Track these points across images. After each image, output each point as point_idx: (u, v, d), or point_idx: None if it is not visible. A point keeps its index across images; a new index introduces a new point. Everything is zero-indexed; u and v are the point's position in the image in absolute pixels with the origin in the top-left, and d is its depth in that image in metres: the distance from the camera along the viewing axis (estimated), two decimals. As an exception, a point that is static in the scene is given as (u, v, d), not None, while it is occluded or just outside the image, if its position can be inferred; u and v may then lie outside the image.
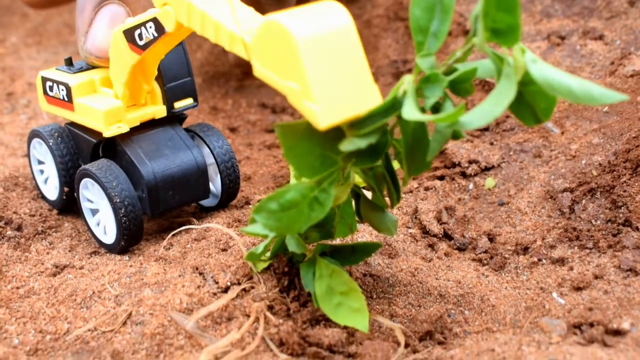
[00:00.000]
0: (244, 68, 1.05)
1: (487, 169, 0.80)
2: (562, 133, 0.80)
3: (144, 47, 0.65)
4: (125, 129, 0.69)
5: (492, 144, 0.83)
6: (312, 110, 0.50)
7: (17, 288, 0.65)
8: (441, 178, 0.80)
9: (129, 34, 0.65)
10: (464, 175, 0.80)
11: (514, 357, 0.55)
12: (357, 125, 0.53)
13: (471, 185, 0.79)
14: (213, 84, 1.04)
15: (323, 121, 0.50)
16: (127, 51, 0.66)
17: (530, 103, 0.52)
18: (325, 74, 0.51)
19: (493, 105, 0.48)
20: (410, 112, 0.50)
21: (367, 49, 1.05)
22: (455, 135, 0.54)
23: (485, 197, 0.78)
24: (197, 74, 1.05)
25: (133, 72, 0.68)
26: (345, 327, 0.59)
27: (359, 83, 0.52)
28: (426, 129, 0.53)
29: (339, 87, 0.51)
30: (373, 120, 0.53)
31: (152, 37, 0.64)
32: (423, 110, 0.52)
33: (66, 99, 0.71)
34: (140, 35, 0.65)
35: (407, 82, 0.52)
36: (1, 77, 1.07)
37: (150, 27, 0.63)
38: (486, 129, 0.84)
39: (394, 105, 0.52)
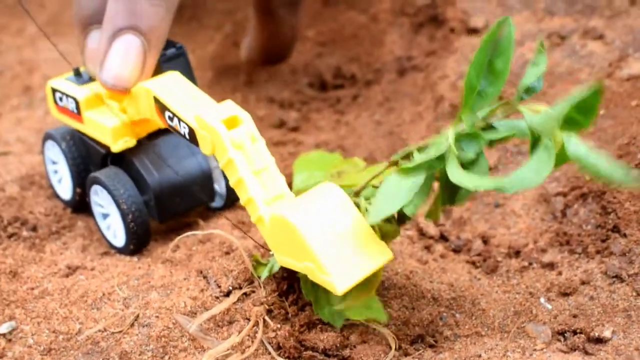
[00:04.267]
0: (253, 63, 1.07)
1: (485, 169, 0.82)
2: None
3: (171, 127, 0.65)
4: (132, 143, 0.71)
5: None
6: (328, 282, 0.55)
7: (32, 289, 0.68)
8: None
9: (160, 105, 0.65)
10: (462, 175, 0.82)
11: (498, 363, 0.58)
12: (407, 171, 0.57)
13: (468, 187, 0.81)
14: (222, 77, 1.06)
15: (340, 288, 0.55)
16: (153, 113, 0.66)
17: None
18: (332, 249, 0.55)
19: (534, 174, 0.51)
20: (457, 176, 0.54)
21: (373, 44, 1.06)
22: None
23: (481, 199, 0.80)
24: (208, 68, 1.08)
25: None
26: (340, 332, 0.62)
27: (367, 244, 0.57)
28: None
29: (348, 255, 0.56)
30: (419, 170, 0.56)
31: (182, 134, 0.63)
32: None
33: (75, 111, 0.73)
34: (171, 118, 0.64)
35: (450, 137, 0.55)
36: (18, 70, 1.09)
37: (185, 128, 0.63)
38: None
39: (438, 159, 0.56)
